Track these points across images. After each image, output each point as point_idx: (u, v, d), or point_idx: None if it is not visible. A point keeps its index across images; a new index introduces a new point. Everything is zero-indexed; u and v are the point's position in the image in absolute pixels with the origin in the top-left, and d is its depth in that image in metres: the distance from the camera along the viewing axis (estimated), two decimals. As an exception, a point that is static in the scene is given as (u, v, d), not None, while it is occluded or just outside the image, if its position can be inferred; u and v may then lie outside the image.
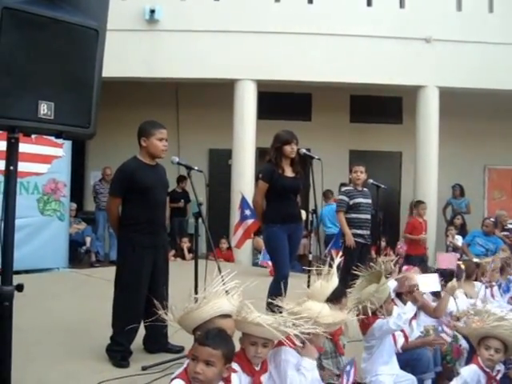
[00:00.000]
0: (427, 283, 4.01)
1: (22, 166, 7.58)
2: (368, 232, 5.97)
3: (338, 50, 9.20)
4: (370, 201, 6.03)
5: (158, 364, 3.65)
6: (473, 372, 3.18)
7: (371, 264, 3.60)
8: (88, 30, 2.51)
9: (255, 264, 8.87)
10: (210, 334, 2.26)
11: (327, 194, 8.68)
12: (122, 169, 3.87)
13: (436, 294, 4.41)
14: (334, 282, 3.09)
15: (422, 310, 4.15)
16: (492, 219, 8.46)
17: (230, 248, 9.14)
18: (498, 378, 3.21)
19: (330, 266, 3.17)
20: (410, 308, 3.64)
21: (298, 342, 2.55)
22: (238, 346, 2.62)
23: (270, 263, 7.58)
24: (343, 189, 6.17)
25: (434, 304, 4.22)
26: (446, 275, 4.61)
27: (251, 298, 2.60)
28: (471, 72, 9.29)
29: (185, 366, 2.34)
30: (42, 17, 2.32)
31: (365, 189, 6.05)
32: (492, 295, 5.12)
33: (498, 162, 10.86)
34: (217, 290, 2.55)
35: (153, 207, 3.83)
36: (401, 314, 3.39)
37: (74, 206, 9.26)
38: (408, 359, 3.65)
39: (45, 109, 2.35)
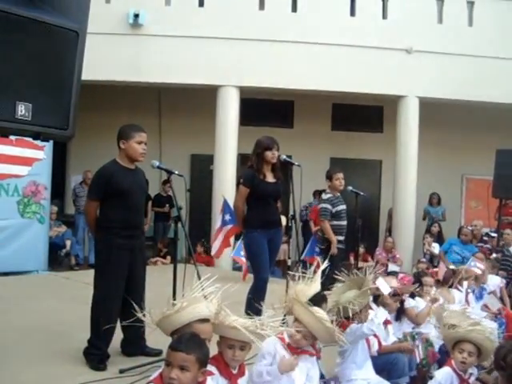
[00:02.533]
0: (386, 285, 4.08)
1: (2, 168, 7.53)
2: (345, 237, 6.06)
3: (321, 58, 9.29)
4: (345, 206, 6.12)
5: (135, 367, 3.64)
6: (446, 374, 3.27)
7: (354, 271, 3.62)
8: (68, 31, 2.49)
9: (235, 269, 8.89)
10: (183, 339, 2.26)
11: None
12: (99, 172, 3.87)
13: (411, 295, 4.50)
14: (315, 286, 3.13)
15: (405, 315, 4.21)
16: (470, 228, 8.63)
17: (207, 252, 9.15)
18: (471, 381, 3.29)
19: (314, 271, 3.22)
20: (381, 312, 3.69)
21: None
22: (215, 350, 2.63)
23: (242, 259, 7.63)
24: (325, 197, 6.16)
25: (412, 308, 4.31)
26: (419, 280, 4.70)
27: (230, 303, 2.63)
28: (451, 83, 9.47)
29: (160, 370, 2.33)
30: (21, 17, 2.30)
31: (339, 194, 6.15)
32: (467, 301, 5.22)
33: (475, 172, 11.05)
34: (195, 295, 2.57)
35: (130, 210, 3.83)
36: (373, 318, 3.44)
37: (55, 208, 9.21)
38: (384, 363, 3.69)
39: (22, 110, 2.34)
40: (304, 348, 3.01)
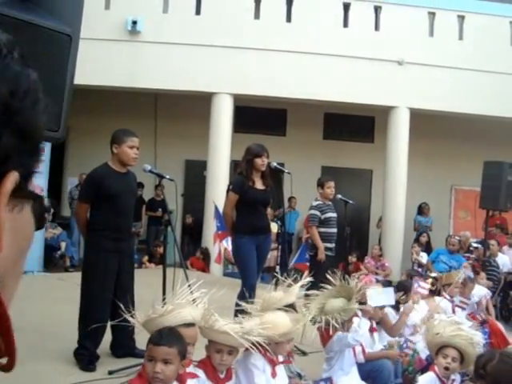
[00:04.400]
0: (378, 297, 3.98)
1: None
2: (334, 245, 6.14)
3: (314, 68, 9.41)
4: (336, 214, 6.21)
5: (124, 368, 3.68)
6: (429, 379, 3.31)
7: (346, 278, 3.61)
8: (61, 35, 2.55)
9: (226, 274, 8.96)
10: (164, 334, 2.33)
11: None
12: (90, 175, 3.96)
13: (396, 308, 4.53)
14: (289, 296, 3.14)
15: (381, 326, 4.18)
16: (457, 238, 8.73)
17: (205, 259, 9.21)
18: (453, 387, 3.36)
19: (296, 280, 3.25)
20: (363, 322, 3.68)
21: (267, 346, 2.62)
22: (202, 354, 2.68)
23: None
24: (314, 204, 6.22)
25: (393, 321, 4.31)
26: (404, 288, 4.75)
27: (220, 308, 2.67)
28: (441, 95, 9.60)
29: (138, 371, 2.39)
30: (13, 19, 2.30)
31: (330, 202, 6.23)
32: (453, 310, 5.28)
33: (464, 182, 11.14)
34: (181, 300, 2.59)
35: (119, 214, 3.89)
36: (357, 329, 3.46)
37: (51, 210, 9.23)
38: (370, 370, 3.70)
39: None
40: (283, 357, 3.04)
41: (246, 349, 2.71)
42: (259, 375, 2.78)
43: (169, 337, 2.30)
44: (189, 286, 2.70)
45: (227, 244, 7.77)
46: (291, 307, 3.14)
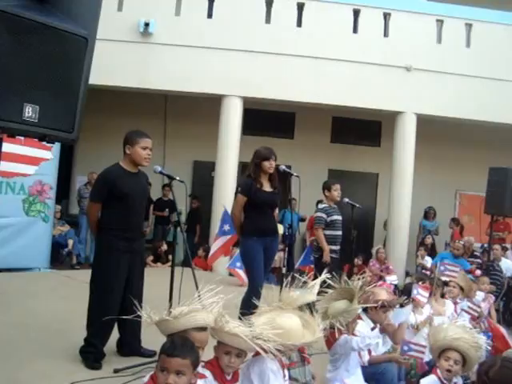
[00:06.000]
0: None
1: (10, 167, 7.66)
2: (339, 247, 6.19)
3: (323, 72, 9.47)
4: (341, 217, 6.25)
5: (129, 367, 3.70)
6: (432, 382, 3.33)
7: (346, 279, 3.56)
8: (77, 37, 2.56)
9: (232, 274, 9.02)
10: (177, 345, 2.26)
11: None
12: (103, 175, 3.97)
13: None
14: (308, 296, 3.15)
15: (384, 332, 4.25)
16: (461, 242, 8.77)
17: (207, 257, 9.30)
18: (455, 390, 3.39)
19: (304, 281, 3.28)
20: (375, 335, 3.63)
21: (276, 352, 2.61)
22: (210, 355, 2.69)
23: (237, 271, 7.78)
24: (321, 206, 6.26)
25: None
26: (409, 292, 4.79)
27: (227, 308, 2.67)
28: (447, 101, 9.66)
29: (151, 374, 2.35)
30: (32, 21, 2.36)
31: (336, 205, 6.29)
32: (457, 313, 5.30)
33: (468, 187, 11.24)
34: (195, 305, 2.59)
35: (131, 213, 3.92)
36: (366, 337, 3.44)
37: (59, 208, 9.32)
38: (373, 373, 3.69)
39: (30, 111, 2.41)
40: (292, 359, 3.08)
41: (256, 353, 2.71)
42: (274, 380, 2.77)
43: (182, 348, 2.24)
44: (205, 291, 2.68)
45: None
46: (309, 307, 3.13)
